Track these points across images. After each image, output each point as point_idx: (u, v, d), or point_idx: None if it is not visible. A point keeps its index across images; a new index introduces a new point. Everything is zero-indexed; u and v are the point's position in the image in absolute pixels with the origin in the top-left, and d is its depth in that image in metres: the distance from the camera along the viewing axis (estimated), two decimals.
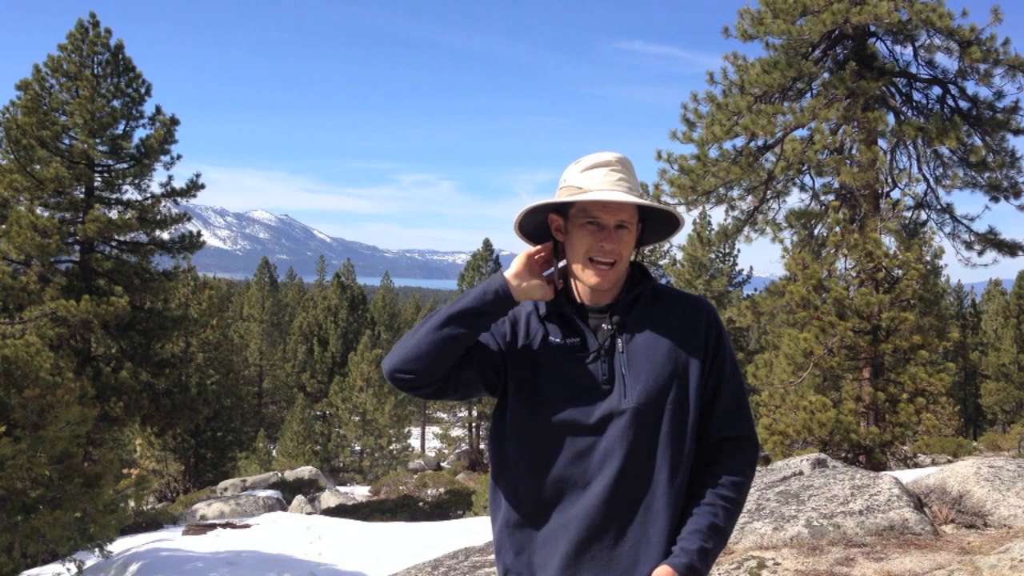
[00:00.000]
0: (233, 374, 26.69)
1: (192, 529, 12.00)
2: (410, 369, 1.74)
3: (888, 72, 13.66)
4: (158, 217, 16.53)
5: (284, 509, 16.87)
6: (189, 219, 17.10)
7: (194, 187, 16.91)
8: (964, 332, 32.74)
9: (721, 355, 1.80)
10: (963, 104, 13.83)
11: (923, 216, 14.50)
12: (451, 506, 18.72)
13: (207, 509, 16.34)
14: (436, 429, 36.05)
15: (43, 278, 15.09)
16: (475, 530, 9.75)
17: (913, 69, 14.11)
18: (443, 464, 33.12)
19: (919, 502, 5.19)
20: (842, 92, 13.15)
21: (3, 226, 14.63)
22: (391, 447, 29.65)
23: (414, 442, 35.23)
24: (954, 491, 5.13)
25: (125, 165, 16.41)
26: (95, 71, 16.05)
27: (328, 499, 19.73)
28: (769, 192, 14.82)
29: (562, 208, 1.80)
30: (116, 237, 16.23)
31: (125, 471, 17.71)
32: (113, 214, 16.17)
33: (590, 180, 1.75)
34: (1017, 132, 13.53)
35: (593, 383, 1.75)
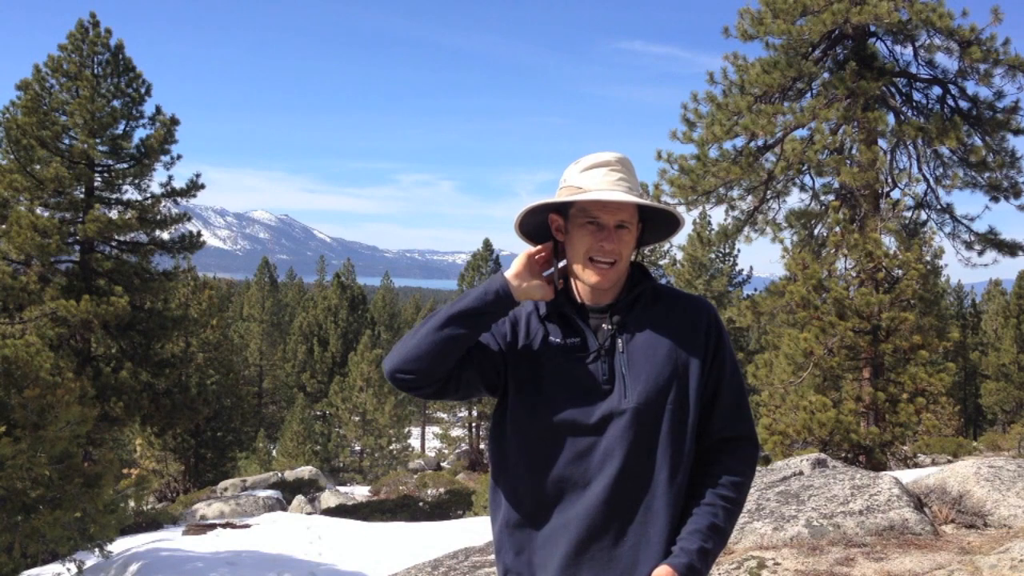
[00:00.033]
0: (233, 374, 26.69)
1: (192, 529, 12.00)
2: (411, 369, 1.74)
3: (888, 72, 13.66)
4: (158, 217, 16.53)
5: (284, 509, 16.87)
6: (189, 219, 17.10)
7: (194, 187, 16.92)
8: (964, 332, 32.73)
9: (721, 355, 1.80)
10: (963, 104, 13.84)
11: (923, 216, 14.52)
12: (451, 506, 18.72)
13: (207, 509, 16.34)
14: (436, 429, 36.06)
15: (43, 278, 15.09)
16: (475, 530, 9.75)
17: (913, 69, 14.12)
18: (443, 464, 33.12)
19: (919, 502, 5.19)
20: (842, 92, 13.15)
21: (3, 226, 14.63)
22: (391, 447, 29.65)
23: (414, 442, 35.24)
24: (954, 491, 5.13)
25: (125, 165, 16.41)
26: (95, 71, 16.05)
27: (328, 499, 19.73)
28: (769, 192, 14.83)
29: (562, 208, 1.80)
30: (116, 237, 16.24)
31: (125, 471, 17.71)
32: (113, 214, 16.17)
33: (590, 180, 1.75)
34: (1017, 132, 13.53)
35: (593, 383, 1.75)
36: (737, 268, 30.64)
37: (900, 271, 12.12)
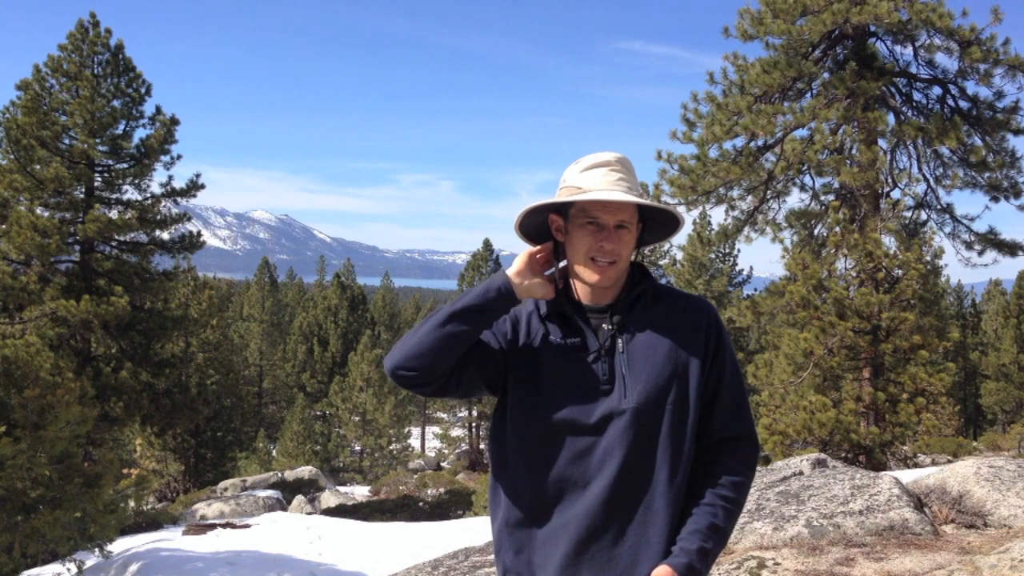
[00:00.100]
0: (233, 374, 26.70)
1: (192, 529, 12.00)
2: (413, 366, 1.74)
3: (888, 72, 13.66)
4: (158, 217, 16.53)
5: (284, 509, 16.87)
6: (189, 219, 17.11)
7: (194, 187, 16.92)
8: (964, 332, 32.73)
9: (721, 355, 1.80)
10: (963, 104, 13.84)
11: (923, 216, 14.52)
12: (451, 506, 18.72)
13: (207, 509, 16.34)
14: (436, 429, 36.06)
15: (43, 278, 15.09)
16: (475, 530, 9.75)
17: (913, 69, 14.12)
18: (443, 464, 33.13)
19: (919, 502, 5.19)
20: (842, 92, 13.15)
21: (3, 226, 14.63)
22: (391, 447, 29.65)
23: (414, 442, 35.24)
24: (954, 491, 5.13)
25: (125, 165, 16.41)
26: (95, 71, 16.05)
27: (328, 499, 19.73)
28: (769, 192, 14.83)
29: (562, 208, 1.80)
30: (116, 237, 16.24)
31: (125, 471, 17.71)
32: (113, 214, 16.17)
33: (590, 180, 1.75)
34: (1017, 132, 13.53)
35: (593, 383, 1.75)
36: (737, 268, 30.65)
37: (900, 271, 12.12)
